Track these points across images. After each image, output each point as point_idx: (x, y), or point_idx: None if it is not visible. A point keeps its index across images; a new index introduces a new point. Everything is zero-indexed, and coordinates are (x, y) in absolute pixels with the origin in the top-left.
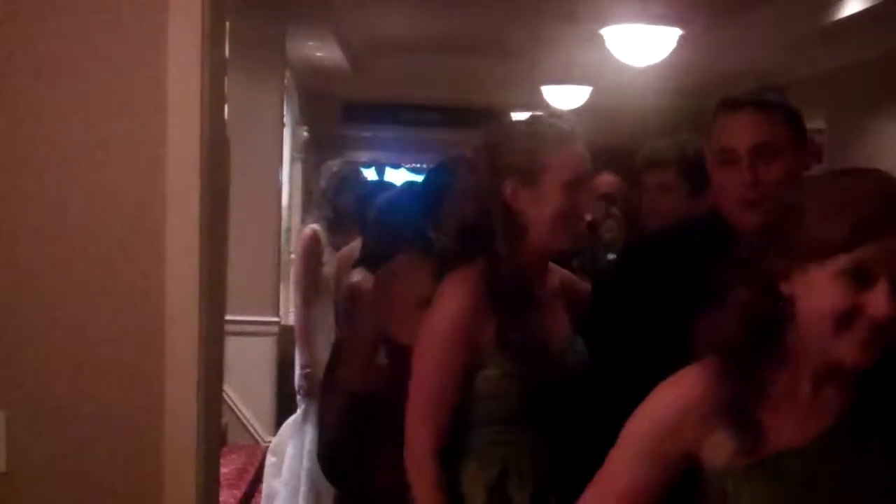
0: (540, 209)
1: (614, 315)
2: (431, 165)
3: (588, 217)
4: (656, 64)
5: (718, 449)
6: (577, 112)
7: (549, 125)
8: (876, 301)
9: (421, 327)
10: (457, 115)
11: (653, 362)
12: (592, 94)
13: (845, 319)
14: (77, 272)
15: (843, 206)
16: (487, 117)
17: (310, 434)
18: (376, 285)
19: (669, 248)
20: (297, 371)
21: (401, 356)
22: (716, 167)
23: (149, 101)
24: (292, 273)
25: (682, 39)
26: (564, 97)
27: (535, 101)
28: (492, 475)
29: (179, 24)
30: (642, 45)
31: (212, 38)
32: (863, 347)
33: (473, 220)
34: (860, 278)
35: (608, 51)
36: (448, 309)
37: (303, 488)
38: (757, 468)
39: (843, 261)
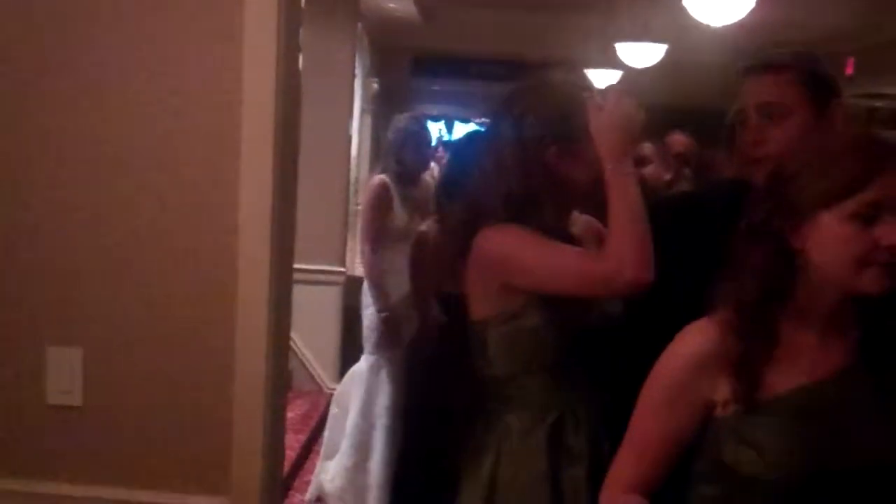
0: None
1: None
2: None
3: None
4: (733, 23)
5: (725, 396)
6: (651, 70)
7: (581, 88)
8: (888, 232)
9: None
10: (527, 70)
11: (677, 317)
12: (667, 52)
13: (863, 256)
14: (151, 215)
15: (839, 157)
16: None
17: (385, 390)
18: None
19: (693, 208)
20: (370, 317)
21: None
22: (736, 129)
23: (224, 48)
24: (360, 221)
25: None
26: (639, 55)
27: (609, 58)
28: (550, 422)
29: None
30: (720, 5)
31: None
32: (885, 276)
33: (519, 188)
34: (868, 217)
35: (684, 9)
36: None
37: (379, 445)
38: (754, 414)
39: (850, 206)
